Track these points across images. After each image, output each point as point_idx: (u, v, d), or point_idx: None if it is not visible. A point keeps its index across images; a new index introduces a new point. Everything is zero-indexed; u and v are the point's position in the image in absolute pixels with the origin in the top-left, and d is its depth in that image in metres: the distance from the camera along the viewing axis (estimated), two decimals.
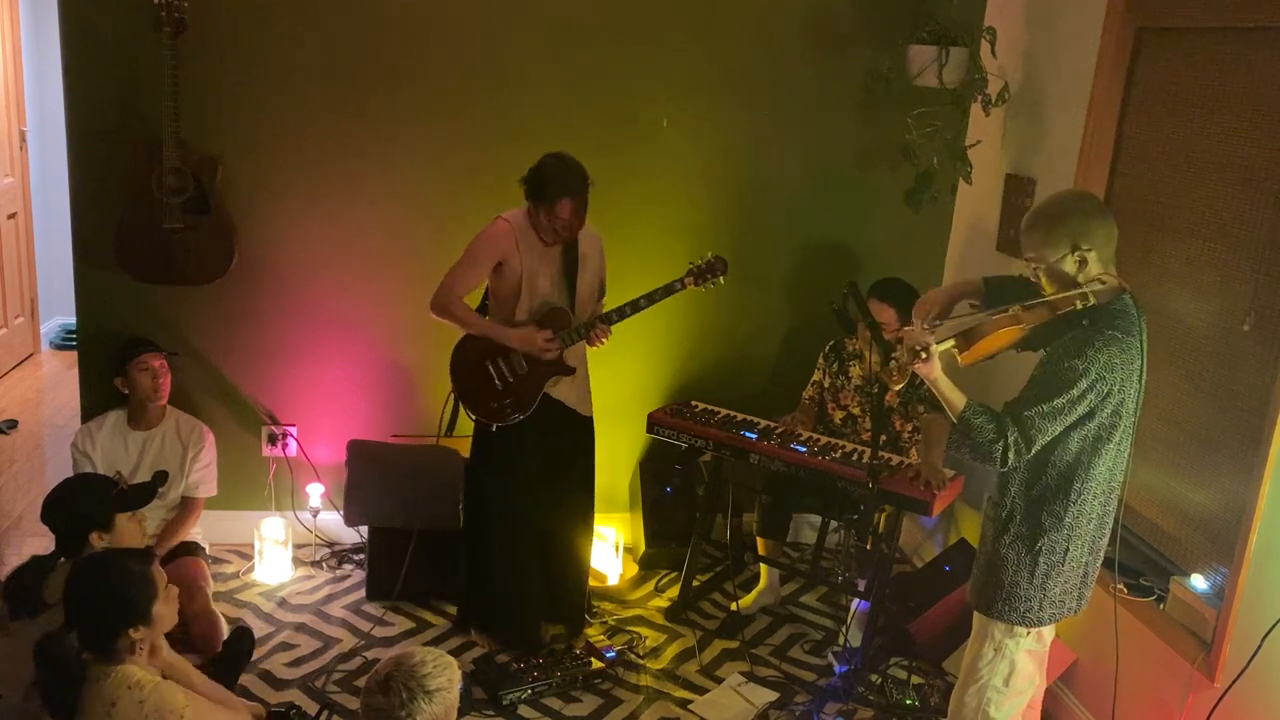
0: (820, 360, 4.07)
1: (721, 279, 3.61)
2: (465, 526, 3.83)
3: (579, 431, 3.74)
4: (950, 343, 2.58)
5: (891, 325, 3.74)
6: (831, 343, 4.05)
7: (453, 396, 3.67)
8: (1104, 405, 2.49)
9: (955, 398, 2.56)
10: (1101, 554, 2.69)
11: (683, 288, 3.58)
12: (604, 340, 3.56)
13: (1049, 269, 2.56)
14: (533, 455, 3.63)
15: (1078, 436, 2.53)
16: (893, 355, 2.57)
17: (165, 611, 2.47)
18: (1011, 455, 2.48)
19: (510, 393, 3.56)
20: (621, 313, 3.55)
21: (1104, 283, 2.53)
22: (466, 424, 3.73)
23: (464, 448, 3.90)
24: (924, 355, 2.50)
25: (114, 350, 3.90)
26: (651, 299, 3.56)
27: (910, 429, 3.88)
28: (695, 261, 3.61)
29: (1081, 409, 2.48)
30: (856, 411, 3.97)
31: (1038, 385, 2.52)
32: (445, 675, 2.16)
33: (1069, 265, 2.53)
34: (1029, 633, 2.68)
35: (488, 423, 3.60)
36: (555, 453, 3.68)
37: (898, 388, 2.64)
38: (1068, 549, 2.60)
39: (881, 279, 3.89)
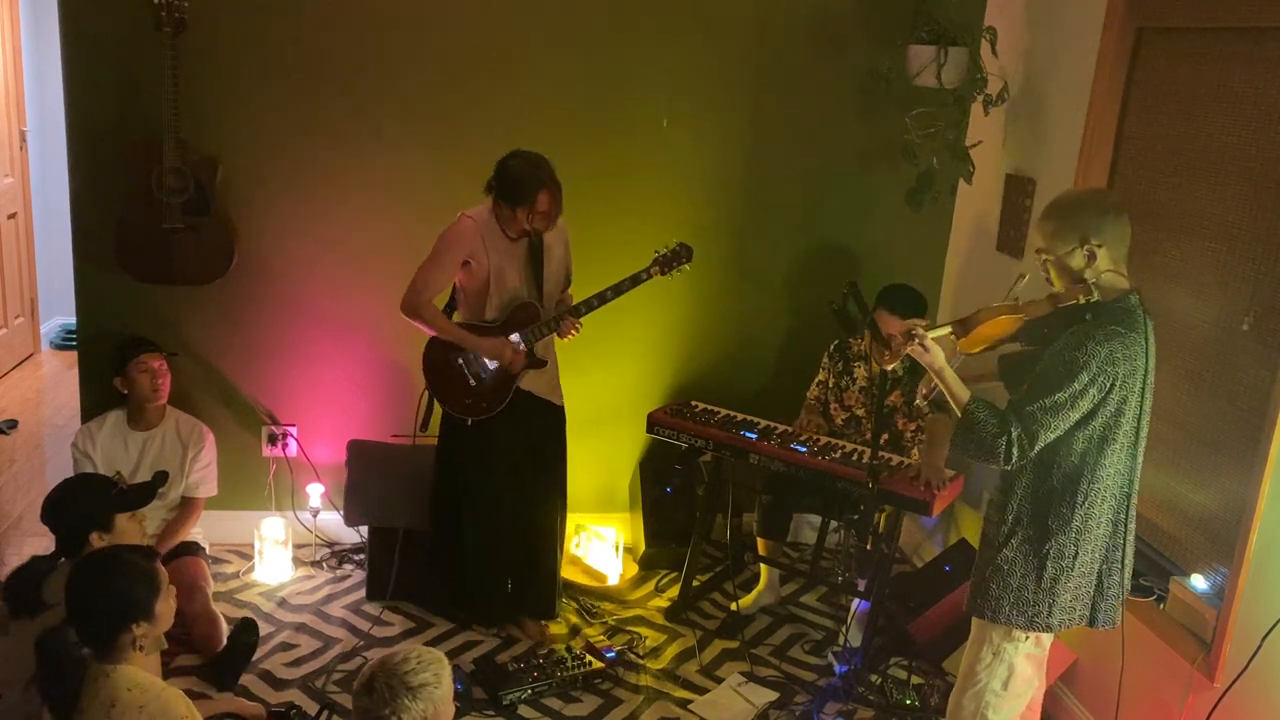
0: (825, 360, 4.07)
1: (686, 266, 3.62)
2: (434, 518, 3.83)
3: (550, 420, 3.76)
4: (947, 329, 2.57)
5: None
6: (836, 342, 4.05)
7: (427, 393, 3.71)
8: (1107, 401, 2.48)
9: (960, 390, 2.56)
10: (1122, 566, 2.64)
11: (649, 277, 3.58)
12: (574, 333, 3.59)
13: (1057, 261, 2.56)
14: (504, 446, 3.66)
15: (1082, 437, 2.52)
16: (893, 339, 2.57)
17: (166, 610, 2.46)
18: (1015, 452, 2.47)
19: (483, 388, 3.60)
20: (589, 305, 3.57)
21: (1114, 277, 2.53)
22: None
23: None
24: (917, 338, 2.50)
25: (114, 350, 3.90)
26: (619, 290, 3.56)
27: (914, 429, 3.88)
28: (660, 250, 3.61)
29: (1085, 404, 2.46)
30: (861, 413, 3.96)
31: (1040, 381, 2.50)
32: (430, 671, 2.13)
33: (1077, 259, 2.53)
34: (1028, 636, 2.67)
35: (463, 417, 3.63)
36: (526, 442, 3.70)
37: (890, 366, 2.63)
38: (1076, 553, 2.57)
39: (889, 286, 3.86)
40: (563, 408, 3.79)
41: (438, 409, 3.74)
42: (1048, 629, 2.64)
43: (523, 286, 3.58)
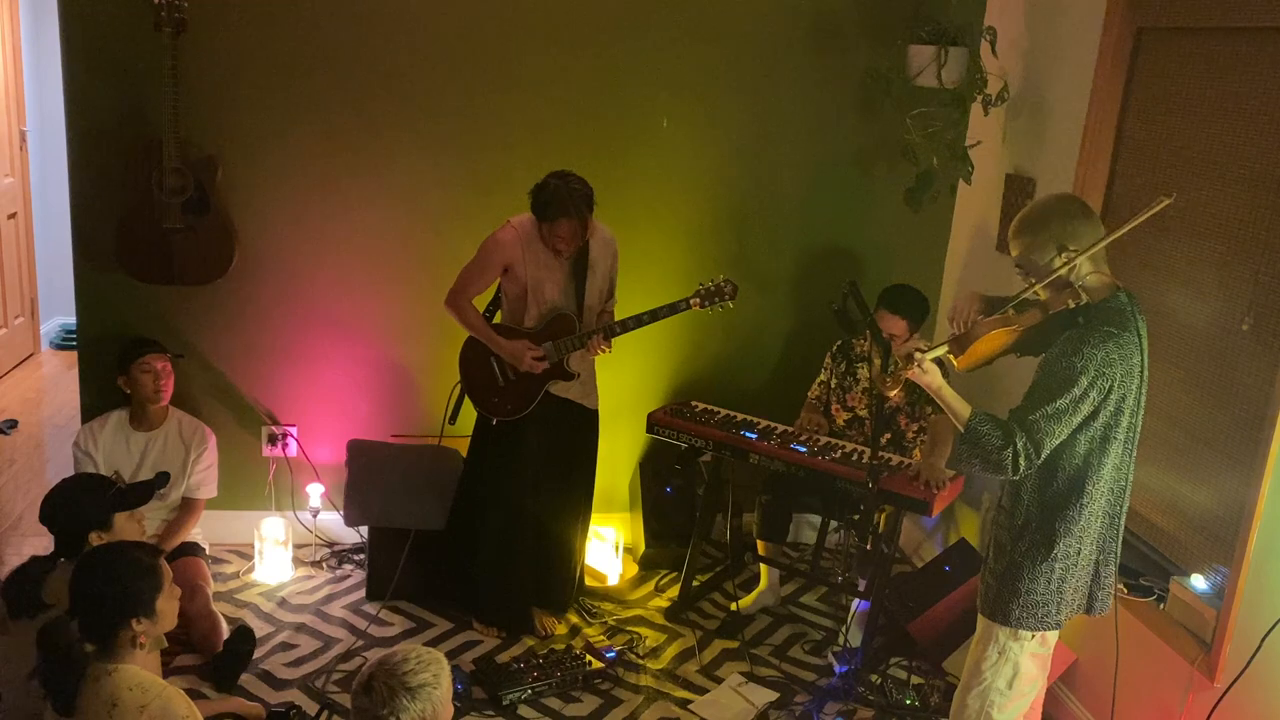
0: (827, 360, 4.07)
1: (730, 303, 3.63)
2: (454, 514, 3.88)
3: (583, 424, 3.81)
4: (944, 349, 2.57)
5: (902, 337, 3.73)
6: (839, 343, 4.04)
7: (459, 387, 3.75)
8: (1106, 402, 2.49)
9: (961, 408, 2.55)
10: (1115, 556, 2.67)
11: (688, 308, 3.61)
12: (602, 351, 3.63)
13: (1039, 272, 2.56)
14: (534, 447, 3.70)
15: (1084, 438, 2.53)
16: (895, 363, 2.56)
17: (168, 608, 2.46)
18: (1022, 462, 2.46)
19: (511, 390, 3.65)
20: (624, 325, 3.60)
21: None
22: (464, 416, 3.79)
23: (464, 446, 3.94)
24: (916, 362, 2.50)
25: (118, 349, 3.90)
26: (656, 315, 3.60)
27: (916, 429, 3.88)
28: (705, 283, 3.63)
29: (1086, 408, 2.47)
30: (864, 413, 3.96)
31: (1039, 388, 2.51)
32: (429, 671, 2.13)
33: (1058, 268, 2.53)
34: (1034, 636, 2.67)
35: (489, 416, 3.68)
36: (556, 445, 3.75)
37: (892, 394, 2.63)
38: (1080, 550, 2.59)
39: (890, 286, 3.86)
40: (596, 411, 3.83)
41: (469, 408, 3.79)
42: (1057, 626, 2.66)
43: (562, 298, 3.63)
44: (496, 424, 3.70)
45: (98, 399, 4.04)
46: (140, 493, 3.05)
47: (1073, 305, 2.53)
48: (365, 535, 4.12)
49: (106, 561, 2.43)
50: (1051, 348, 2.55)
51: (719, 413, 4.01)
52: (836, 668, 3.72)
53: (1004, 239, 4.03)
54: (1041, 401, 2.47)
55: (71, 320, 5.35)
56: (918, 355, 2.51)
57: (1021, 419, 2.48)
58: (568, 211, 3.43)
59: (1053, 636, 2.75)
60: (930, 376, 2.53)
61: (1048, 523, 2.59)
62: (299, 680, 3.51)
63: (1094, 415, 2.49)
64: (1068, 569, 2.59)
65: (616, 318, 3.72)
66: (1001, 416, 2.53)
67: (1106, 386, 2.47)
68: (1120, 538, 2.67)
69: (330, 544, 4.38)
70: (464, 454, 3.96)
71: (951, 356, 2.57)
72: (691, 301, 3.60)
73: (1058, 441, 2.49)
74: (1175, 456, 3.16)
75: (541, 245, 3.55)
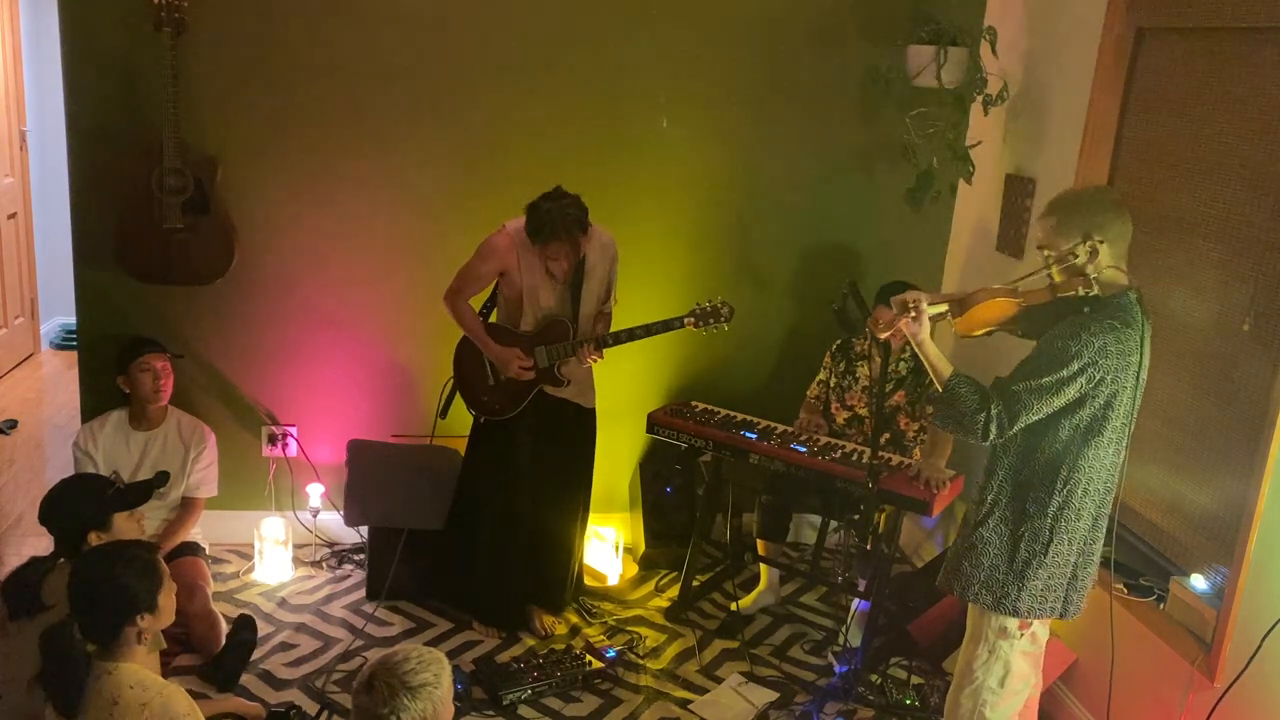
0: (827, 359, 4.07)
1: (725, 325, 3.64)
2: (453, 514, 3.90)
3: (579, 423, 3.82)
4: (944, 307, 2.58)
5: None
6: (839, 342, 4.05)
7: (451, 383, 3.79)
8: (1096, 393, 2.50)
9: (942, 366, 2.59)
10: (1095, 560, 2.69)
11: (681, 326, 3.63)
12: (592, 360, 3.65)
13: (1059, 256, 2.57)
14: (526, 447, 3.72)
15: (1068, 425, 2.54)
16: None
17: (168, 603, 2.47)
18: (993, 428, 2.49)
19: (500, 390, 3.68)
20: (617, 338, 3.63)
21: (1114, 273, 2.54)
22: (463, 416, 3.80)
23: (461, 444, 3.95)
24: (913, 312, 2.51)
25: (118, 349, 3.90)
26: (650, 330, 3.62)
27: (916, 429, 3.88)
28: (702, 303, 3.65)
29: (1072, 391, 2.48)
30: (863, 413, 3.96)
31: (1030, 363, 2.53)
32: (430, 671, 2.13)
33: (1080, 255, 2.54)
34: (1023, 634, 2.68)
35: (477, 414, 3.72)
36: (552, 444, 3.76)
37: (883, 335, 2.64)
38: (1050, 540, 2.59)
39: (889, 283, 3.86)
40: (593, 410, 3.84)
41: (461, 404, 3.82)
42: (1015, 613, 2.65)
43: (557, 304, 3.64)
44: (485, 422, 3.73)
45: (98, 399, 4.04)
46: (139, 492, 3.05)
47: (1082, 292, 2.53)
48: (365, 535, 4.12)
49: (106, 561, 2.43)
50: (1052, 329, 2.56)
51: (719, 413, 4.01)
52: (836, 668, 3.72)
53: (1004, 239, 4.05)
54: (1028, 375, 2.49)
55: (71, 320, 5.35)
56: (923, 307, 2.52)
57: (1003, 388, 2.51)
58: (558, 234, 3.45)
59: (1043, 635, 2.76)
60: (919, 327, 2.55)
61: (1018, 502, 2.61)
62: (299, 680, 3.51)
63: (1081, 402, 2.51)
64: (1033, 554, 2.60)
65: (615, 321, 3.72)
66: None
67: (1098, 376, 2.48)
68: (1100, 542, 2.67)
69: (330, 544, 4.38)
70: (463, 451, 3.96)
71: (950, 316, 2.58)
72: (686, 320, 3.63)
73: (1035, 418, 2.51)
74: (1175, 456, 3.16)
75: (535, 253, 3.56)
